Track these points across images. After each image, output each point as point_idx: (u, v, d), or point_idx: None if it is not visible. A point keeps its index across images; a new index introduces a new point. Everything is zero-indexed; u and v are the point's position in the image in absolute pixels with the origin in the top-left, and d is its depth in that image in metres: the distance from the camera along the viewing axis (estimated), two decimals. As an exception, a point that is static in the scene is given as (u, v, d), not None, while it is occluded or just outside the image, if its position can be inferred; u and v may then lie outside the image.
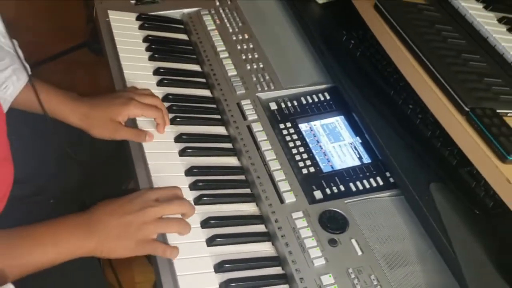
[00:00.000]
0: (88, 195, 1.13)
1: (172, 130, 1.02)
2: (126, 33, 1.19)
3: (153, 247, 0.81)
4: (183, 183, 0.93)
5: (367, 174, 1.00)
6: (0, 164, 0.75)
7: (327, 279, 0.82)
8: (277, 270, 0.85)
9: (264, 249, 0.88)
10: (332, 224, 0.90)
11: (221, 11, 1.29)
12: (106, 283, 1.08)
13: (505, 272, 0.85)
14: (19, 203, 0.86)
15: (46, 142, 1.05)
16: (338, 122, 1.09)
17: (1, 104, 0.79)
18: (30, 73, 0.94)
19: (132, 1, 1.29)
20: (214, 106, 1.10)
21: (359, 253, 0.87)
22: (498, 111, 0.90)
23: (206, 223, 0.88)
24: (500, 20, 1.09)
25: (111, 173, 1.26)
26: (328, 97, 1.13)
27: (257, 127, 1.04)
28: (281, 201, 0.93)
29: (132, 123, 1.01)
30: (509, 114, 0.92)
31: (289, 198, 0.93)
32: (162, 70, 1.13)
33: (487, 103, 0.91)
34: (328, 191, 0.96)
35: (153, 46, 1.18)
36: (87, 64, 2.15)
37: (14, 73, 0.91)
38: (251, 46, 1.21)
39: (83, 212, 0.82)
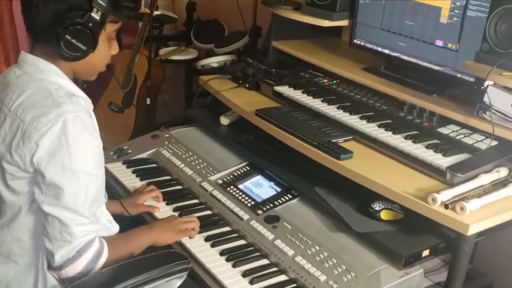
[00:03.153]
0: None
1: (169, 208, 1.79)
2: (121, 173, 1.98)
3: (185, 233, 1.60)
4: (187, 228, 1.69)
5: (282, 195, 1.81)
6: None
7: (278, 242, 1.59)
8: (251, 248, 1.61)
9: (241, 243, 1.63)
10: (272, 220, 1.69)
11: (170, 145, 2.13)
12: None
13: (361, 209, 1.65)
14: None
15: None
16: (258, 178, 1.91)
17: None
18: None
19: (115, 156, 2.10)
20: (186, 191, 1.90)
21: (289, 227, 1.65)
22: (332, 140, 1.77)
23: (207, 239, 1.63)
24: (322, 101, 2.00)
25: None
26: (248, 168, 1.96)
27: (216, 193, 1.84)
28: (241, 219, 1.71)
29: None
30: (339, 142, 1.79)
31: (245, 216, 1.71)
32: (150, 183, 1.91)
33: (325, 138, 1.78)
34: (264, 208, 1.75)
35: (140, 173, 1.98)
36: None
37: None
38: (195, 156, 2.04)
39: (150, 224, 1.61)
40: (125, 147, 2.15)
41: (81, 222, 1.31)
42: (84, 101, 1.38)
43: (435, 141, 1.67)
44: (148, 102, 3.02)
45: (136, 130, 3.15)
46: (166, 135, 2.22)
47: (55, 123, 1.27)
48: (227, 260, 1.55)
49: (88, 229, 1.33)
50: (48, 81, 1.34)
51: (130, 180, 1.95)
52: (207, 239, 1.63)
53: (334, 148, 1.71)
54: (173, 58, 3.16)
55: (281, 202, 1.77)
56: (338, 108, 1.94)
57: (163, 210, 1.77)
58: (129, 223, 1.62)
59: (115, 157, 2.10)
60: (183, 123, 2.35)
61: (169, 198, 1.84)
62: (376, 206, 1.62)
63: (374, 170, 1.62)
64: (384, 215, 1.61)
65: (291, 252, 1.55)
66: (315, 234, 1.62)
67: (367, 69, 2.12)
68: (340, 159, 1.67)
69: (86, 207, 1.31)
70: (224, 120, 2.22)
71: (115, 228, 1.51)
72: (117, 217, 1.56)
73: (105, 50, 1.40)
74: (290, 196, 1.80)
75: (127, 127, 3.21)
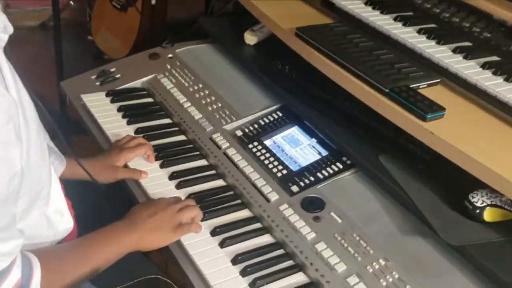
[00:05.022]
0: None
1: (164, 172, 1.23)
2: (102, 109, 1.40)
3: (184, 229, 1.05)
4: (186, 209, 1.13)
5: (328, 163, 1.23)
6: None
7: (320, 246, 1.03)
8: (280, 252, 1.06)
9: (265, 240, 1.08)
10: (312, 206, 1.12)
11: (173, 71, 1.53)
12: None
13: (452, 203, 1.08)
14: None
15: None
16: (294, 131, 1.32)
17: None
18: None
19: (97, 83, 1.51)
20: (191, 145, 1.32)
21: (339, 221, 1.09)
22: (411, 86, 1.16)
23: (214, 232, 1.07)
24: (395, 19, 1.36)
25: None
26: (280, 114, 1.37)
27: (231, 152, 1.26)
28: (268, 200, 1.14)
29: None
30: (421, 86, 1.18)
31: (273, 196, 1.14)
32: (140, 129, 1.34)
33: (401, 82, 1.16)
34: (301, 183, 1.18)
35: (127, 113, 1.39)
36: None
37: (56, 159, 1.09)
38: (207, 92, 1.45)
39: (124, 218, 1.03)
40: (112, 70, 1.56)
41: None
42: None
43: None
44: (154, 1, 2.38)
45: (141, 35, 2.55)
46: (170, 55, 1.61)
47: None
48: (244, 273, 1.00)
49: None
50: None
51: (114, 123, 1.37)
52: (214, 232, 1.08)
53: (417, 101, 1.10)
54: None
55: (327, 175, 1.20)
56: (419, 32, 1.30)
57: (154, 177, 1.21)
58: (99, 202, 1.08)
59: (97, 83, 1.52)
60: (195, 37, 1.73)
61: (164, 157, 1.27)
62: (478, 199, 1.04)
63: (477, 141, 1.02)
64: (489, 214, 1.04)
65: (341, 268, 1.00)
66: (379, 236, 1.06)
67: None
68: (425, 119, 1.07)
69: None
70: (250, 38, 1.59)
71: (65, 224, 0.97)
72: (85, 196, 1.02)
73: None
74: (341, 166, 1.22)
75: (130, 30, 2.61)
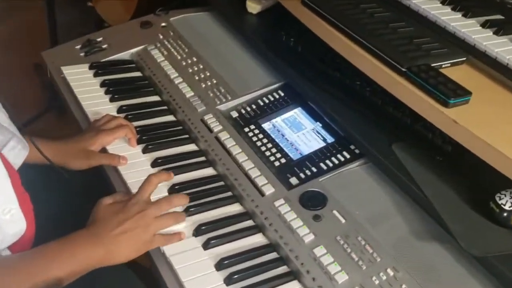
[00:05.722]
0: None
1: (146, 158, 1.08)
2: (83, 83, 1.25)
3: (158, 242, 0.89)
4: (169, 201, 0.99)
5: (334, 151, 1.07)
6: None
7: (319, 251, 0.89)
8: (273, 255, 0.91)
9: (257, 240, 0.94)
10: (313, 202, 0.97)
11: (166, 42, 1.37)
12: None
13: (475, 204, 0.92)
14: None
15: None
16: (296, 113, 1.17)
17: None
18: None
19: (82, 54, 1.36)
20: (180, 127, 1.17)
21: (343, 221, 0.94)
22: (432, 65, 0.99)
23: (198, 231, 0.93)
24: (416, -13, 1.18)
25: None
26: (282, 94, 1.21)
27: (224, 136, 1.11)
28: (262, 194, 0.99)
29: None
30: (443, 66, 1.01)
31: (268, 189, 1.00)
32: (124, 107, 1.20)
33: (421, 60, 1.00)
34: (302, 175, 1.03)
35: (111, 89, 1.25)
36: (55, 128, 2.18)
37: (18, 143, 0.95)
38: (201, 66, 1.29)
39: (86, 227, 0.88)
40: (99, 39, 1.41)
41: None
42: None
43: None
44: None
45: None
46: (163, 24, 1.45)
47: None
48: (229, 280, 0.86)
49: None
50: None
51: (95, 99, 1.22)
52: (198, 230, 0.94)
53: (438, 83, 0.94)
54: None
55: (331, 165, 1.04)
56: (443, 2, 1.13)
57: (134, 163, 1.07)
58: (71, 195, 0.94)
59: (82, 54, 1.36)
60: (193, 3, 1.56)
61: (148, 140, 1.12)
62: (506, 201, 0.89)
63: (508, 133, 0.87)
64: (519, 219, 0.88)
65: (342, 278, 0.85)
66: (388, 240, 0.91)
67: None
68: (448, 105, 0.91)
69: None
70: (253, 6, 1.42)
71: (16, 226, 0.83)
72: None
73: None
74: (348, 156, 1.06)
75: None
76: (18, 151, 0.93)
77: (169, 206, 0.93)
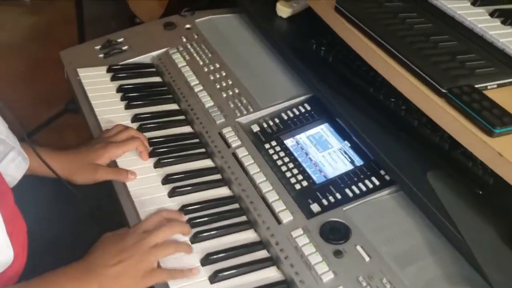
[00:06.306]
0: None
1: (158, 173, 1.00)
2: (99, 87, 1.19)
3: (159, 276, 0.80)
4: (178, 224, 0.91)
5: (362, 176, 0.97)
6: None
7: (341, 295, 0.80)
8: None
9: (270, 275, 0.85)
10: (334, 235, 0.88)
11: (189, 46, 1.29)
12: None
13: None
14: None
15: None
16: (323, 130, 1.07)
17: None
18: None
19: (101, 55, 1.30)
20: (197, 140, 1.09)
21: (367, 259, 0.84)
22: (476, 86, 0.88)
23: (206, 261, 0.85)
24: (462, -4, 1.07)
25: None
26: (308, 108, 1.11)
27: (242, 153, 1.02)
28: (278, 222, 0.90)
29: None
30: (489, 87, 0.90)
31: (286, 217, 0.90)
32: (139, 116, 1.12)
33: (464, 80, 0.89)
34: (324, 202, 0.93)
35: (127, 95, 1.17)
36: (75, 125, 2.14)
37: (19, 155, 0.90)
38: (224, 74, 1.20)
39: (81, 259, 0.81)
40: (119, 40, 1.33)
41: None
42: None
43: None
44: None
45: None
46: (187, 26, 1.37)
47: None
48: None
49: None
50: None
51: (109, 106, 1.15)
52: (206, 260, 0.85)
53: (483, 108, 0.83)
54: None
55: (358, 192, 0.94)
56: (492, 14, 1.02)
57: (144, 179, 0.99)
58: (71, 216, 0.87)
59: (101, 55, 1.30)
60: (222, 3, 1.48)
61: (161, 154, 1.05)
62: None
63: None
64: None
65: (363, 327, 0.76)
66: (416, 284, 0.81)
67: None
68: (492, 134, 0.80)
69: None
70: (283, 10, 1.33)
71: (2, 256, 0.76)
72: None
73: None
74: (377, 183, 0.96)
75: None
76: (18, 163, 0.87)
77: (167, 233, 0.85)
